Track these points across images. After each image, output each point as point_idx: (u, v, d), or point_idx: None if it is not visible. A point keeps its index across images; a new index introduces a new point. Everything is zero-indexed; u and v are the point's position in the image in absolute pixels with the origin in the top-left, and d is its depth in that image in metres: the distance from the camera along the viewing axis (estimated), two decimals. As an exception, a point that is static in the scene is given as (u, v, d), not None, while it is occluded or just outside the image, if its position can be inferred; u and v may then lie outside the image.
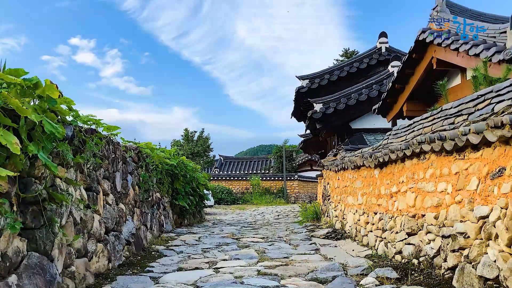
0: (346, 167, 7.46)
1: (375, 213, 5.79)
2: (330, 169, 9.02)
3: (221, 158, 35.61)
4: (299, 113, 13.85)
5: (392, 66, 11.02)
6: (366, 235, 6.14)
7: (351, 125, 11.29)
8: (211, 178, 27.74)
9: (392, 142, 5.94)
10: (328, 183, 9.54)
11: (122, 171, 5.53)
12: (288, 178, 28.14)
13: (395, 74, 9.48)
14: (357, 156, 6.95)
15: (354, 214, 6.86)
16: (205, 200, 11.96)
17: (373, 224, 5.85)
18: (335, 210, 8.48)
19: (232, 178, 28.51)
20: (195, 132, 33.46)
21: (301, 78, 12.38)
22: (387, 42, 12.60)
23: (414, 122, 5.24)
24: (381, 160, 5.27)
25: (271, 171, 32.58)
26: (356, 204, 6.75)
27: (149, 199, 7.00)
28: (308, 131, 14.63)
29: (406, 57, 7.61)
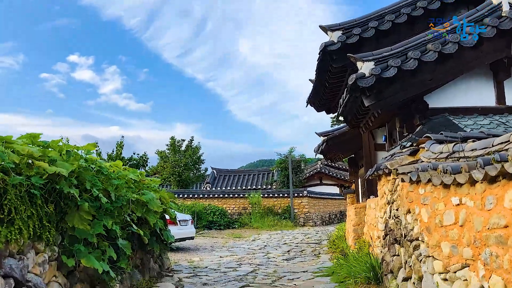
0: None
1: None
2: (419, 181, 4.03)
3: (214, 171, 30.30)
4: (322, 92, 8.77)
5: (498, -7, 6.18)
6: None
7: (427, 100, 6.36)
8: (201, 196, 22.58)
9: None
10: (408, 211, 4.52)
11: None
12: (296, 194, 22.84)
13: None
14: None
15: None
16: (168, 239, 6.89)
17: None
18: (449, 281, 3.45)
19: (226, 196, 23.22)
20: (183, 141, 28.06)
21: (330, 28, 7.30)
22: (471, -33, 7.71)
23: None
24: None
25: (274, 186, 27.32)
26: None
27: None
28: (337, 124, 9.59)
29: None
